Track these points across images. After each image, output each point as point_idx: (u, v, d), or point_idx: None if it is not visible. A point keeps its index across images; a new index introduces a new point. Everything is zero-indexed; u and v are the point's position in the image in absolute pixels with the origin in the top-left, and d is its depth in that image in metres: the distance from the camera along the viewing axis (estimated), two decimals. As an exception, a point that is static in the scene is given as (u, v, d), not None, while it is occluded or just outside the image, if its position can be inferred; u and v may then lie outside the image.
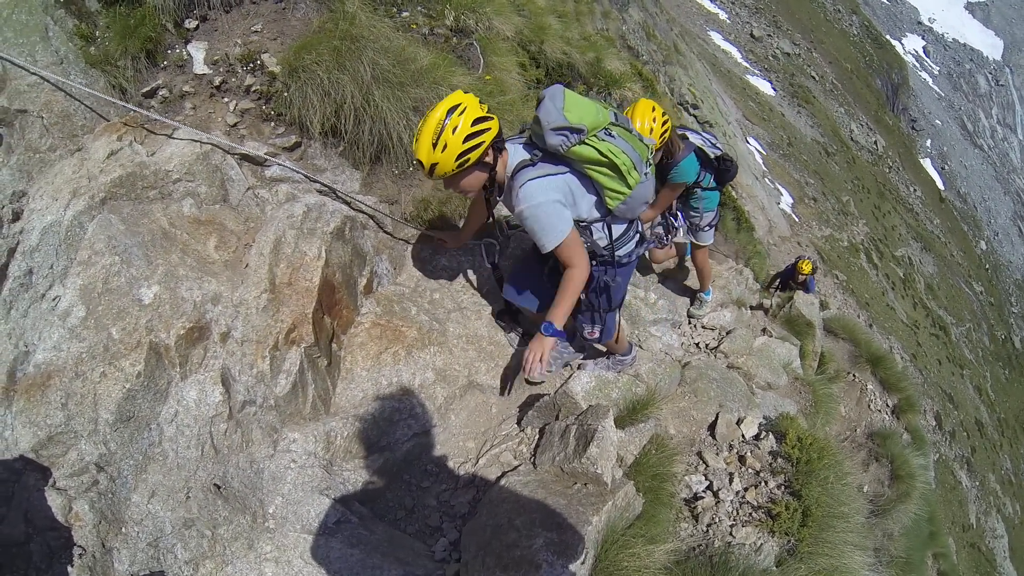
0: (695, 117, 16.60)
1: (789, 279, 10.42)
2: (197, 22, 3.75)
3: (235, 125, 3.58)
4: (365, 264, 3.65)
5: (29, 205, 3.05)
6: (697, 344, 5.44)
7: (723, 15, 47.75)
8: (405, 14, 4.46)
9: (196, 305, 2.95)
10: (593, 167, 2.85)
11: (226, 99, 3.61)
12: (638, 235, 3.34)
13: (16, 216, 2.99)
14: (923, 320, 35.02)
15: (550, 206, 2.78)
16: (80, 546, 2.45)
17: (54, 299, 2.84)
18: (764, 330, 6.18)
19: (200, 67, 3.63)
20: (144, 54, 3.55)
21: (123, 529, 2.57)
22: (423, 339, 3.57)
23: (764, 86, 41.73)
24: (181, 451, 2.73)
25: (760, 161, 27.96)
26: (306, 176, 3.60)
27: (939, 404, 27.24)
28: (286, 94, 3.58)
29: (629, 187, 2.91)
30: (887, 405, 7.08)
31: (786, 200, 27.81)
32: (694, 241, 5.18)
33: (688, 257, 5.88)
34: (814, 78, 49.27)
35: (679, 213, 4.98)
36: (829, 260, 26.74)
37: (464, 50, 4.69)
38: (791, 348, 5.76)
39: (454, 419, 3.49)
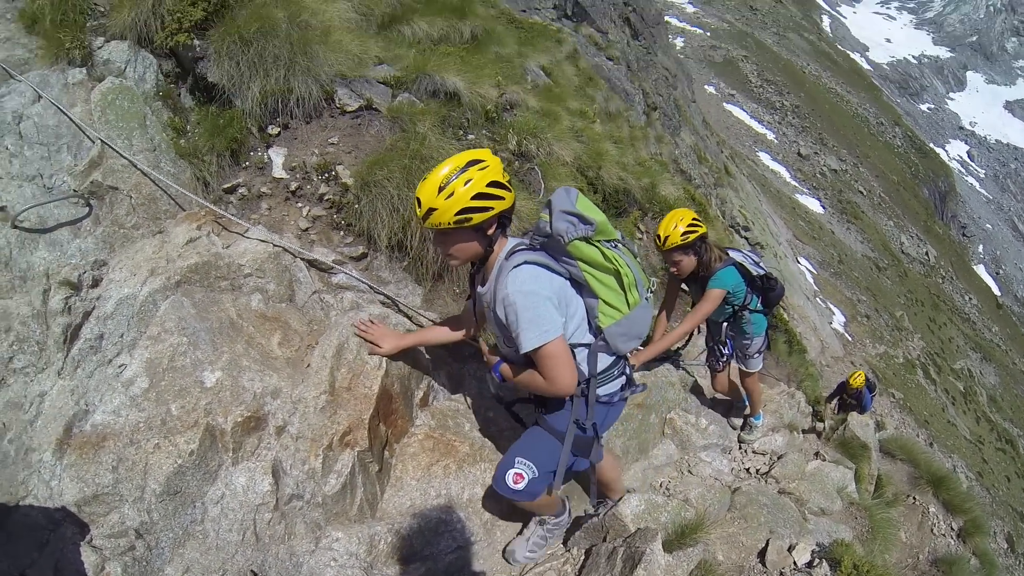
0: (746, 239, 16.80)
1: (842, 396, 10.13)
2: (279, 129, 4.10)
3: (306, 230, 3.83)
4: (423, 377, 3.75)
5: (108, 275, 3.31)
6: (748, 469, 5.33)
7: (771, 135, 49.06)
8: (471, 137, 4.81)
9: (256, 396, 3.05)
10: (594, 272, 2.60)
11: (300, 204, 3.88)
12: (625, 377, 2.96)
13: (95, 283, 3.25)
14: (988, 435, 33.21)
15: (542, 300, 2.43)
16: None
17: (120, 367, 3.00)
18: (817, 454, 6.04)
19: (279, 171, 3.95)
20: (229, 152, 3.93)
21: None
22: (475, 455, 3.59)
23: (813, 204, 42.16)
24: (223, 533, 2.76)
25: (811, 281, 27.82)
26: (370, 287, 3.77)
27: (1010, 524, 25.23)
28: (357, 206, 3.83)
29: (628, 306, 2.69)
30: (952, 528, 6.67)
31: (838, 319, 27.39)
32: (743, 368, 5.13)
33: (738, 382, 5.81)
34: (862, 193, 49.68)
35: (728, 341, 4.93)
36: (885, 378, 25.90)
37: (526, 174, 4.99)
38: (845, 472, 5.61)
39: (500, 535, 3.46)
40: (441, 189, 2.34)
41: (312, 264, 3.72)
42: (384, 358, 3.40)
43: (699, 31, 61.46)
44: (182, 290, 3.27)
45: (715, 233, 10.34)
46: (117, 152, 3.58)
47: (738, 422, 5.73)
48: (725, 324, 4.85)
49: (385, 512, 3.24)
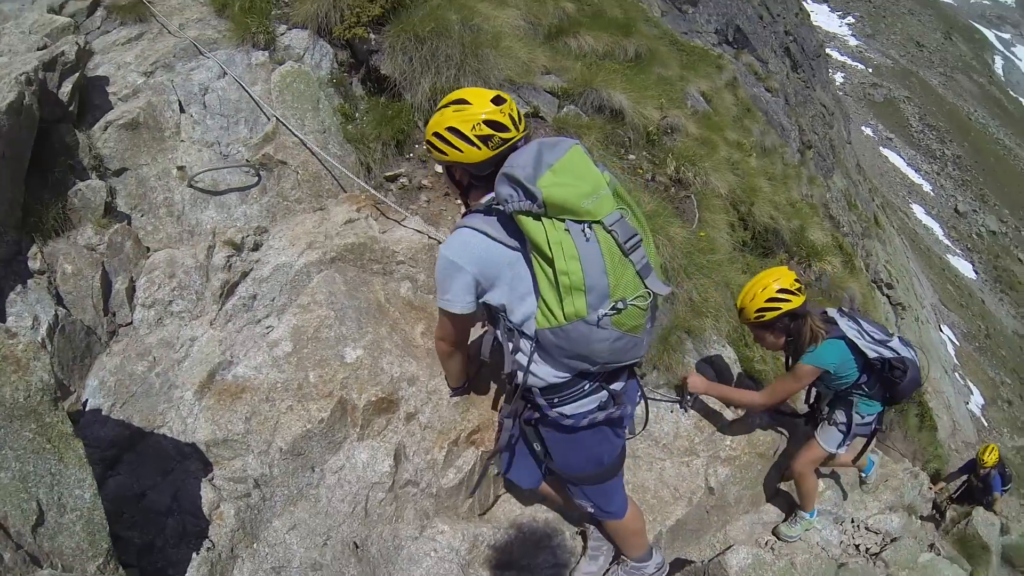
0: (888, 298, 15.57)
1: (970, 477, 8.83)
2: None
3: None
4: None
5: (268, 241, 3.53)
6: (857, 546, 4.87)
7: (927, 187, 45.59)
8: (632, 157, 4.65)
9: (393, 379, 3.08)
10: (536, 258, 2.06)
11: (458, 202, 3.89)
12: (607, 395, 2.38)
13: (256, 246, 3.49)
14: None
15: (454, 271, 2.15)
16: (211, 541, 2.54)
17: (268, 328, 3.17)
18: (932, 545, 5.44)
19: (440, 167, 3.98)
20: (394, 142, 4.05)
21: (255, 545, 2.65)
22: None
23: (965, 268, 38.82)
24: (335, 501, 2.81)
25: (952, 353, 25.48)
26: None
27: None
28: None
29: (563, 317, 2.05)
30: None
31: (976, 400, 24.93)
32: (818, 440, 3.93)
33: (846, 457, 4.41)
34: (1021, 260, 44.76)
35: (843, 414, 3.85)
36: (1020, 476, 23.18)
37: (681, 202, 4.77)
38: (960, 572, 5.00)
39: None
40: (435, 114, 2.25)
41: None
42: None
43: (860, 66, 58.12)
44: (336, 267, 3.39)
45: (858, 286, 9.55)
46: (290, 130, 3.80)
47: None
48: (827, 408, 3.90)
49: (493, 515, 3.23)
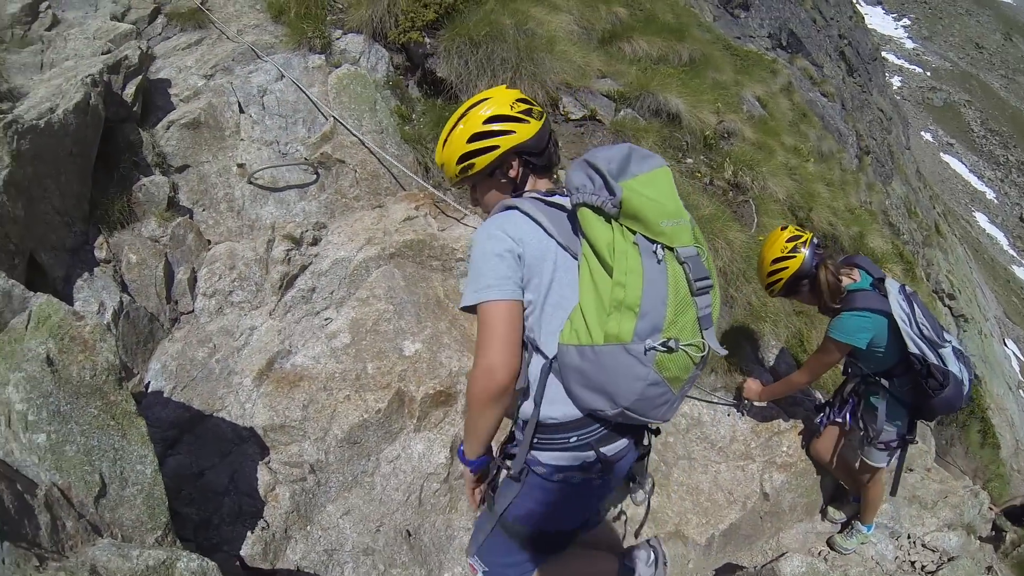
0: (950, 309, 14.99)
1: None
2: None
3: None
4: None
5: (327, 237, 3.63)
6: (912, 563, 4.70)
7: (990, 194, 43.89)
8: (689, 161, 4.59)
9: (451, 373, 3.12)
10: (589, 263, 1.78)
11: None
12: (594, 457, 1.91)
13: (315, 241, 3.59)
14: None
15: (497, 250, 1.79)
16: (266, 521, 2.60)
17: (326, 319, 3.25)
18: (990, 568, 5.17)
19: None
20: None
21: (308, 527, 2.70)
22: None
23: (1032, 279, 37.05)
24: (389, 490, 2.86)
25: (1017, 369, 24.34)
26: None
27: None
28: None
29: (602, 336, 1.72)
30: None
31: (1043, 421, 23.70)
32: (861, 456, 3.66)
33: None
34: None
35: (850, 403, 3.57)
36: (1091, 502, 21.99)
37: (739, 206, 4.69)
38: None
39: None
40: (445, 143, 1.96)
41: None
42: None
43: (918, 70, 56.38)
44: (395, 262, 3.46)
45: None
46: (348, 129, 3.90)
47: (838, 516, 4.12)
48: (856, 383, 3.55)
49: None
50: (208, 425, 2.86)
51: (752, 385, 3.69)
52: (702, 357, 1.81)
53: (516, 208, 1.84)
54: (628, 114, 4.45)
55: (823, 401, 3.78)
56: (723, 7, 12.83)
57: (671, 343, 1.70)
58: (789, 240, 3.19)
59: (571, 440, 1.89)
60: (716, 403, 3.84)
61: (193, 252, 3.46)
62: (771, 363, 4.17)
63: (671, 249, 1.74)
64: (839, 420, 3.57)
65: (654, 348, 1.70)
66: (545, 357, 1.83)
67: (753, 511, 3.67)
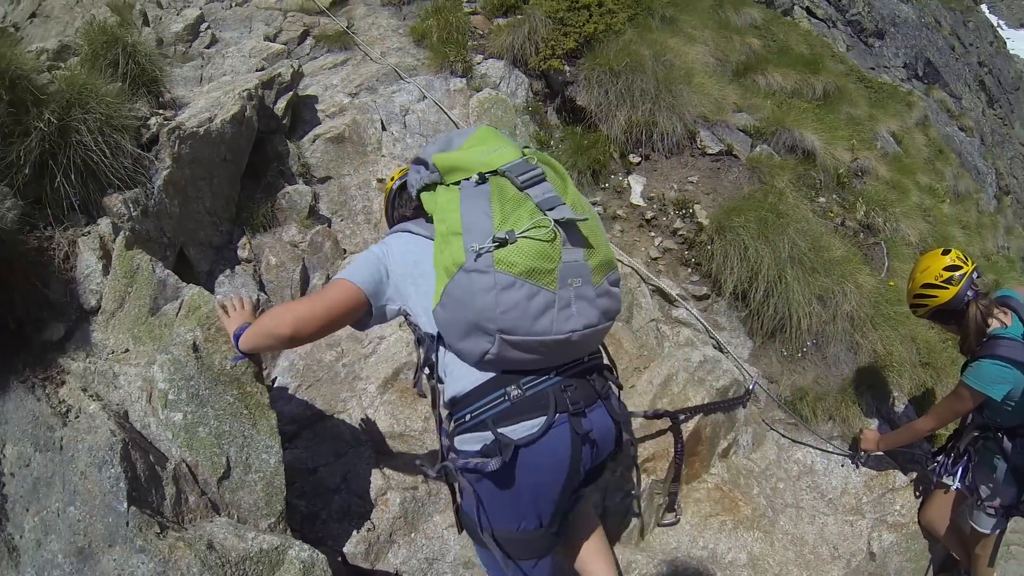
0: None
1: None
2: (640, 159, 4.34)
3: (655, 259, 3.98)
4: (732, 429, 3.70)
5: None
6: None
7: None
8: (822, 200, 4.55)
9: None
10: (436, 231, 1.78)
11: (652, 234, 4.05)
12: (493, 414, 1.74)
13: None
14: None
15: (366, 253, 1.91)
16: (372, 523, 2.69)
17: None
18: None
19: (636, 198, 4.16)
20: (590, 171, 4.23)
21: (413, 534, 2.78)
22: (753, 521, 3.46)
23: None
24: None
25: None
26: (707, 328, 3.79)
27: None
28: (709, 247, 3.89)
29: (445, 277, 1.69)
30: None
31: None
32: (969, 520, 3.37)
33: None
34: None
35: (964, 459, 3.33)
36: None
37: (870, 248, 4.60)
38: None
39: None
40: None
41: (658, 292, 3.83)
42: (706, 398, 3.39)
43: (1065, 104, 51.77)
44: None
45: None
46: None
47: None
48: (974, 436, 3.30)
49: (649, 544, 3.24)
50: (328, 425, 3.01)
51: (869, 435, 3.58)
52: (561, 240, 1.67)
53: (398, 230, 1.95)
54: (764, 150, 4.46)
55: (936, 449, 3.57)
56: (856, 36, 12.37)
57: (502, 235, 1.62)
58: (947, 268, 3.01)
59: (466, 419, 1.79)
60: (830, 452, 3.78)
61: (329, 259, 3.68)
62: (893, 415, 4.06)
63: (494, 172, 1.73)
64: (948, 481, 3.36)
65: (486, 249, 1.62)
66: (433, 337, 1.81)
67: (858, 571, 3.53)
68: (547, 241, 1.64)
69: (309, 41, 5.12)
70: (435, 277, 1.72)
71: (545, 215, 1.66)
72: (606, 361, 2.04)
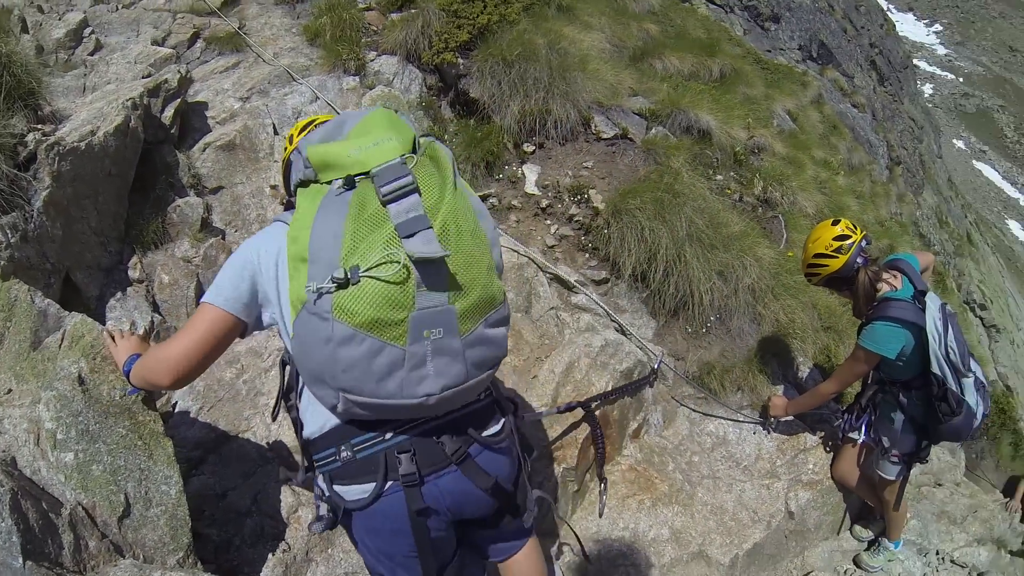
0: (982, 320, 14.73)
1: None
2: (535, 148, 4.32)
3: (552, 247, 3.97)
4: (640, 410, 3.74)
5: None
6: None
7: (1024, 200, 42.85)
8: (719, 178, 4.64)
9: None
10: None
11: (548, 221, 4.04)
12: (375, 487, 1.56)
13: None
14: None
15: (231, 261, 1.65)
16: (288, 543, 2.60)
17: None
18: None
19: (531, 187, 4.14)
20: (484, 164, 4.19)
21: (330, 550, 2.71)
22: (671, 496, 3.54)
23: (1068, 287, 36.19)
24: None
25: (1053, 380, 23.78)
26: (608, 312, 3.80)
27: None
28: (606, 231, 3.90)
29: (292, 309, 1.46)
30: None
31: (1080, 433, 23.13)
32: (876, 470, 3.58)
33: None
34: None
35: (866, 415, 3.55)
36: None
37: (768, 222, 4.73)
38: None
39: None
40: None
41: (555, 280, 3.82)
42: (610, 383, 3.38)
43: (950, 76, 55.39)
44: None
45: (949, 308, 9.10)
46: None
47: (865, 534, 4.08)
48: (873, 392, 3.51)
49: (569, 532, 3.25)
50: (233, 446, 2.90)
51: (778, 401, 3.73)
52: (415, 281, 1.38)
53: (275, 219, 1.66)
54: (659, 132, 4.52)
55: (843, 410, 3.80)
56: (753, 20, 12.82)
57: (342, 274, 1.35)
58: (836, 238, 3.17)
59: (314, 463, 1.66)
60: (742, 421, 3.88)
61: None
62: (799, 380, 4.20)
63: (365, 174, 1.46)
64: (854, 436, 3.60)
65: (324, 289, 1.36)
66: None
67: (778, 530, 3.67)
68: (396, 284, 1.36)
69: (200, 44, 4.90)
70: (290, 304, 1.47)
71: (401, 245, 1.37)
72: (493, 397, 1.79)
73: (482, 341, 1.54)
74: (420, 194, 1.42)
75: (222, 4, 5.15)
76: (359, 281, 1.34)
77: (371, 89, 4.45)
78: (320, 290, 1.35)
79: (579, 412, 3.20)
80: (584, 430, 3.25)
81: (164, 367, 1.62)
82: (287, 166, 1.86)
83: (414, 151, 1.53)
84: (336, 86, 4.51)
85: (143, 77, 4.16)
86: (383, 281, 1.35)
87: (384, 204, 1.40)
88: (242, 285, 1.58)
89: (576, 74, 4.49)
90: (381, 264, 1.35)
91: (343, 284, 1.34)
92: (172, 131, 3.83)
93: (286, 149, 1.94)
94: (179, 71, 4.03)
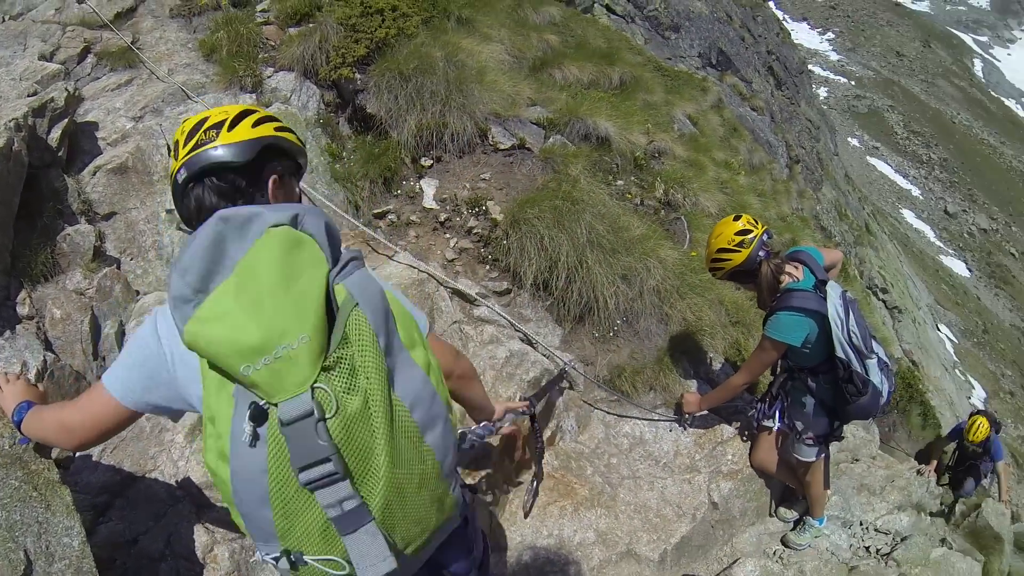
0: (884, 303, 15.61)
1: (961, 446, 7.83)
2: (432, 161, 4.28)
3: (452, 260, 3.92)
4: (552, 417, 3.72)
5: None
6: (867, 548, 4.85)
7: (916, 191, 45.89)
8: (620, 183, 4.71)
9: None
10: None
11: (448, 235, 3.99)
12: None
13: None
14: None
15: (139, 332, 1.41)
16: None
17: None
18: (943, 540, 5.40)
19: (429, 201, 4.10)
20: (382, 180, 4.14)
21: None
22: (592, 500, 3.55)
23: (958, 267, 39.00)
24: None
25: (951, 351, 25.52)
26: (511, 323, 3.77)
27: None
28: (505, 242, 3.87)
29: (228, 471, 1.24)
30: None
31: (978, 394, 24.84)
32: (794, 454, 3.70)
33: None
34: (1013, 255, 44.84)
35: (778, 401, 3.69)
36: (1027, 464, 23.02)
37: (671, 223, 4.82)
38: (974, 564, 4.99)
39: None
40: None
41: (456, 294, 3.77)
42: (518, 393, 3.35)
43: (843, 80, 58.83)
44: None
45: (852, 293, 9.55)
46: None
47: (789, 515, 4.21)
48: (783, 379, 3.66)
49: (494, 544, 3.22)
50: (141, 487, 2.74)
51: (691, 398, 3.80)
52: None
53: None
54: (557, 140, 4.55)
55: (756, 400, 3.92)
56: (654, 30, 13.22)
57: (280, 553, 1.23)
58: (738, 233, 3.27)
59: None
60: (657, 420, 3.92)
61: (121, 304, 3.34)
62: (711, 375, 4.29)
63: (276, 404, 1.16)
64: (768, 423, 3.73)
65: (273, 557, 1.25)
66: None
67: (704, 521, 3.74)
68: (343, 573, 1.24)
69: (90, 59, 4.61)
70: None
71: (340, 541, 1.21)
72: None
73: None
74: (351, 479, 1.19)
75: (115, 17, 4.88)
76: (307, 564, 1.24)
77: (268, 107, 4.31)
78: (273, 558, 1.26)
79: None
80: (493, 441, 3.19)
81: (67, 437, 1.53)
82: (176, 185, 1.47)
83: (329, 323, 1.21)
84: (232, 104, 4.35)
85: (29, 95, 3.86)
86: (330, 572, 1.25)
87: (305, 487, 1.17)
88: (145, 382, 1.39)
89: (473, 86, 4.47)
90: (331, 562, 1.24)
91: (293, 565, 1.24)
92: (60, 154, 3.58)
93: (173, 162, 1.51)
94: (67, 89, 3.77)
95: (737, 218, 3.35)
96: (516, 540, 3.28)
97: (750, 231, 3.26)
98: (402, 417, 1.26)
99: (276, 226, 1.23)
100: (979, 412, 7.88)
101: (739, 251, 3.25)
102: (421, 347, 1.40)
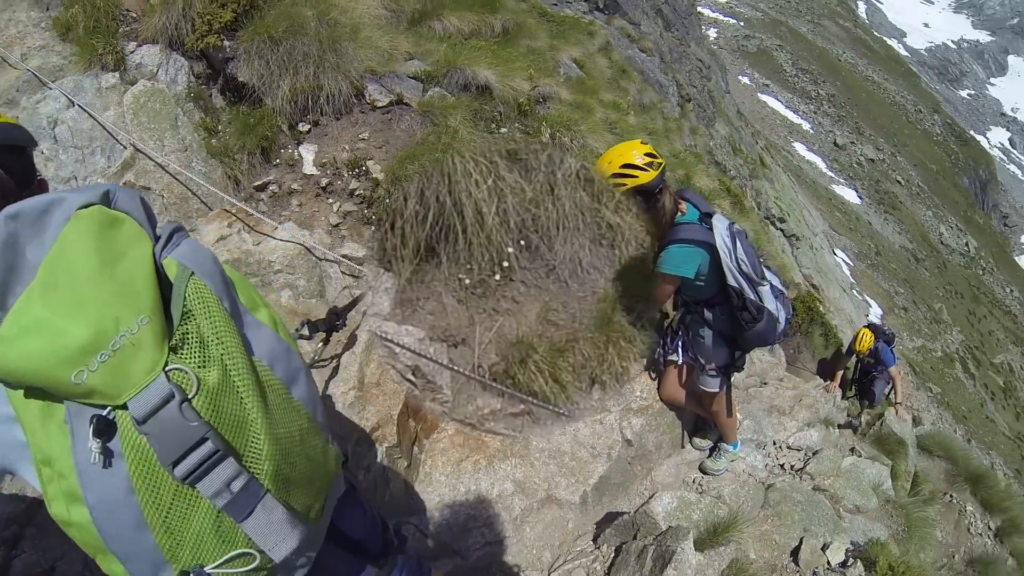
0: (782, 231, 16.42)
1: (858, 359, 8.51)
2: (310, 126, 4.16)
3: (337, 225, 3.87)
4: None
5: None
6: (782, 465, 5.18)
7: (806, 125, 48.07)
8: (504, 130, 4.71)
9: None
10: None
11: (331, 200, 3.92)
12: None
13: None
14: (1028, 431, 31.97)
15: None
16: None
17: None
18: (852, 450, 5.85)
19: (309, 168, 4.00)
20: (259, 150, 4.00)
21: None
22: (505, 451, 3.59)
23: (850, 195, 41.33)
24: None
25: (848, 273, 27.20)
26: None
27: (1050, 523, 24.14)
28: (387, 200, 3.82)
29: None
30: (989, 528, 6.43)
31: (875, 312, 26.71)
32: (699, 385, 3.88)
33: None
34: (900, 183, 48.30)
35: (678, 335, 3.88)
36: (922, 372, 25.13)
37: (559, 165, 4.86)
38: (882, 468, 5.41)
39: (529, 531, 3.44)
40: None
41: (345, 257, 3.73)
42: (415, 354, 3.35)
43: (732, 21, 60.39)
44: None
45: (750, 224, 10.02)
46: (146, 155, 3.68)
47: (704, 443, 4.43)
48: (681, 314, 3.82)
49: (415, 508, 3.25)
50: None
51: None
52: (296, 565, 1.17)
53: None
54: (436, 93, 4.50)
55: (658, 336, 4.06)
56: (537, -24, 13.13)
57: (195, 574, 1.09)
58: (648, 155, 3.35)
59: None
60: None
61: None
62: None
63: (122, 407, 1.03)
64: (673, 358, 3.88)
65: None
66: None
67: (620, 459, 3.84)
68: (262, 569, 1.14)
69: None
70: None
71: (238, 529, 1.10)
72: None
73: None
74: (236, 455, 1.09)
75: (-44, 0, 4.42)
76: None
77: (132, 85, 4.05)
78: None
79: (381, 385, 3.19)
80: (397, 406, 3.22)
81: None
82: None
83: (167, 314, 1.10)
84: (94, 86, 4.04)
85: None
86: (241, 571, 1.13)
87: (179, 477, 1.05)
88: None
89: (347, 44, 4.34)
90: (239, 558, 1.12)
91: None
92: None
93: None
94: None
95: (644, 142, 3.46)
96: (435, 500, 3.30)
97: (657, 158, 3.38)
98: (266, 376, 1.20)
99: (86, 207, 1.11)
100: (866, 326, 8.48)
101: (647, 171, 3.32)
102: (263, 306, 1.36)
